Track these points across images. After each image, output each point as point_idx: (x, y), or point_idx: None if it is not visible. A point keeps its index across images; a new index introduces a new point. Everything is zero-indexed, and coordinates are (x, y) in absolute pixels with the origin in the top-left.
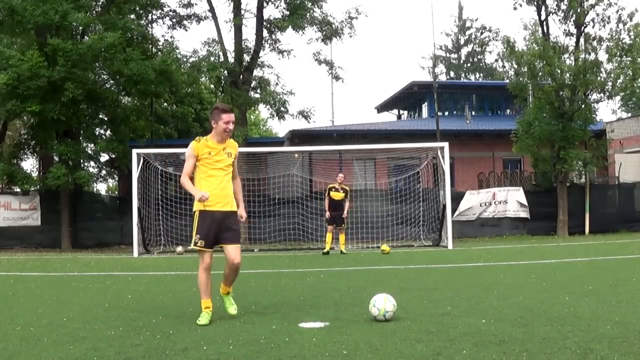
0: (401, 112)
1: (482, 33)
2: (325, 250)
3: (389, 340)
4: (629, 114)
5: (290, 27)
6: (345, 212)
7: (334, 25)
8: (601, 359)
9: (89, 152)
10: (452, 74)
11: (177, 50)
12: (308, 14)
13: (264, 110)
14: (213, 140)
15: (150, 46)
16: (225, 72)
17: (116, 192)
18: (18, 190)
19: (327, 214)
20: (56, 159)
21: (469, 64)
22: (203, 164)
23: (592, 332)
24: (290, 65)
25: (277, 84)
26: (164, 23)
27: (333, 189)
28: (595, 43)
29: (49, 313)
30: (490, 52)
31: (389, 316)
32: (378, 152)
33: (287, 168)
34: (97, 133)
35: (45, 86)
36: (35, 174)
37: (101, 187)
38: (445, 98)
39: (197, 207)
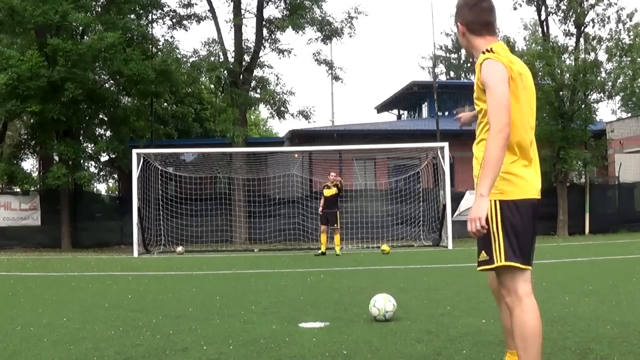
0: (401, 112)
1: None
2: (320, 252)
3: (389, 340)
4: (629, 114)
5: (290, 27)
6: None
7: (333, 25)
8: (601, 359)
9: (89, 152)
10: (452, 74)
11: (177, 50)
12: (308, 14)
13: (264, 110)
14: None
15: (150, 46)
16: (225, 72)
17: (116, 192)
18: (18, 190)
19: (320, 209)
20: (56, 159)
21: (469, 64)
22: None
23: (592, 332)
24: (290, 65)
25: (277, 83)
26: (164, 23)
27: (325, 187)
28: (595, 43)
29: (49, 313)
30: None
31: (389, 316)
32: (378, 152)
33: (287, 168)
34: (97, 133)
35: (45, 86)
36: (35, 174)
37: (101, 187)
38: (445, 98)
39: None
